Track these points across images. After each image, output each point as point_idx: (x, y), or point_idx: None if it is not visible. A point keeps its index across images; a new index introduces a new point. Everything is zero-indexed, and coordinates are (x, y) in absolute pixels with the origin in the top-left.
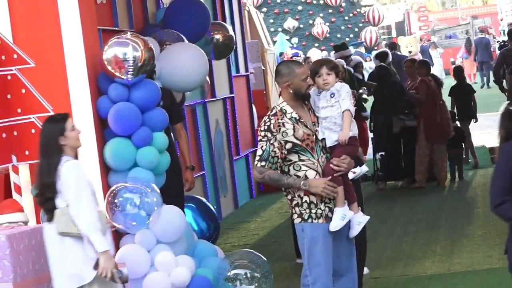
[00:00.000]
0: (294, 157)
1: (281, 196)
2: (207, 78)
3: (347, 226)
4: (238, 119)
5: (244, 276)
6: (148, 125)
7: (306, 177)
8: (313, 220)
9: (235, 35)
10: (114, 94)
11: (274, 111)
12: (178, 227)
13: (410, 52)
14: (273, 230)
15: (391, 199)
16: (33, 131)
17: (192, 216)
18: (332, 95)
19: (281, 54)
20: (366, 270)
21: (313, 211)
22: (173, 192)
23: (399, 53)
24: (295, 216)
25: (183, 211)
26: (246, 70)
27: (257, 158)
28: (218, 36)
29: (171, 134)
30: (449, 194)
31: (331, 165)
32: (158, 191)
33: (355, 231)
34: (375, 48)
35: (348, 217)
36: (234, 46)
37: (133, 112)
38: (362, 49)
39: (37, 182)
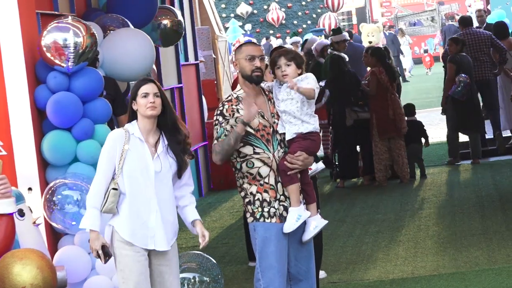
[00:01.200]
0: (248, 150)
1: (232, 194)
2: (154, 67)
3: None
4: (187, 111)
5: (192, 281)
6: (90, 116)
7: (259, 174)
8: (265, 219)
9: (184, 20)
10: (53, 83)
11: (229, 97)
12: None
13: (370, 42)
14: (224, 230)
15: (351, 198)
16: None
17: None
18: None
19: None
20: (323, 274)
21: (266, 209)
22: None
23: (354, 43)
24: (247, 215)
25: None
26: (196, 58)
27: (214, 141)
28: (165, 22)
29: (115, 126)
30: (413, 193)
31: (284, 162)
32: None
33: (307, 234)
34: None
35: (304, 218)
36: (183, 33)
37: (74, 102)
38: (321, 38)
39: None
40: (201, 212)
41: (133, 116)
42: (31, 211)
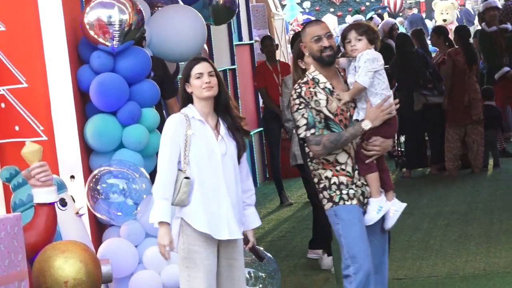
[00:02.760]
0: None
1: (289, 184)
2: (205, 47)
3: (381, 219)
4: (241, 94)
5: (248, 276)
6: (136, 99)
7: (337, 161)
8: (345, 201)
9: None
10: (97, 63)
11: (305, 79)
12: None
13: (444, 20)
14: (281, 223)
15: (418, 189)
16: (2, 105)
17: None
18: (358, 68)
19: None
20: None
21: (344, 192)
22: None
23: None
24: (324, 201)
25: None
26: (250, 38)
27: (303, 128)
28: None
29: (163, 110)
30: (485, 184)
31: (361, 149)
32: (148, 176)
33: (390, 222)
34: (400, 14)
35: (385, 209)
36: (237, 10)
37: (119, 84)
38: (385, 16)
39: None
40: (256, 203)
41: (188, 100)
42: (74, 200)
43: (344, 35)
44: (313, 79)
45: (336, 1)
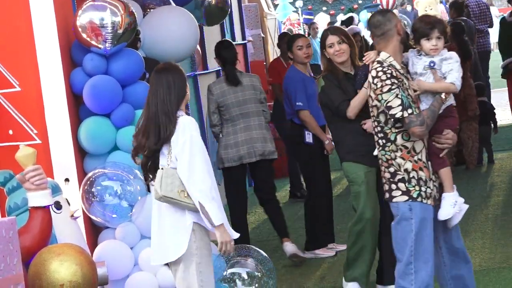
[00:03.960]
0: None
1: (284, 183)
2: (198, 47)
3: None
4: None
5: (244, 276)
6: (130, 101)
7: (414, 149)
8: (423, 199)
9: None
10: (90, 66)
11: (384, 64)
12: None
13: None
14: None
15: None
16: None
17: None
18: (432, 64)
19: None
20: None
21: (423, 189)
22: None
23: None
24: (397, 193)
25: None
26: (243, 38)
27: (398, 109)
28: None
29: None
30: (480, 180)
31: (434, 143)
32: (142, 178)
33: (457, 218)
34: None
35: (460, 204)
36: (229, 10)
37: (112, 86)
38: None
39: (144, 135)
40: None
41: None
42: (69, 203)
43: (426, 33)
44: (390, 64)
45: None
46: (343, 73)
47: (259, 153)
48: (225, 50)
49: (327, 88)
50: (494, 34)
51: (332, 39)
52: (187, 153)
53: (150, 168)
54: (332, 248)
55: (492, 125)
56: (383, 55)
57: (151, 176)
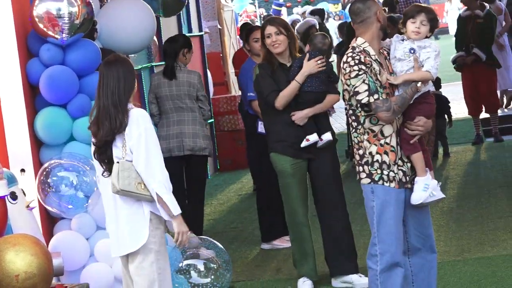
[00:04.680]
0: None
1: (240, 175)
2: (155, 39)
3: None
4: None
5: (200, 268)
6: (86, 92)
7: (381, 133)
8: (385, 182)
9: None
10: (46, 56)
11: (356, 49)
12: None
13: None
14: (232, 214)
15: None
16: None
17: None
18: (412, 51)
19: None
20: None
21: (385, 172)
22: None
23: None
24: (363, 175)
25: None
26: (200, 29)
27: (365, 94)
28: None
29: None
30: (435, 173)
31: (405, 129)
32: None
33: (422, 198)
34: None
35: (432, 187)
36: (186, 1)
37: (69, 77)
38: (338, 6)
39: (97, 126)
40: (207, 195)
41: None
42: (24, 194)
43: (412, 15)
44: (364, 50)
45: None
46: (279, 63)
47: (188, 148)
48: (167, 44)
49: (259, 77)
50: None
51: (270, 29)
52: (143, 145)
53: (101, 159)
54: (289, 240)
55: (447, 118)
56: (359, 41)
57: (104, 167)
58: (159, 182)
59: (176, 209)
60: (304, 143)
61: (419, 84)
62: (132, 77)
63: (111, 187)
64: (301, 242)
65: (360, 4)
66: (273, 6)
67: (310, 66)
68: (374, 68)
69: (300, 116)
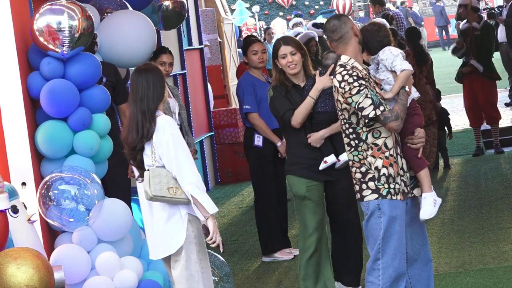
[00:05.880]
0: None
1: (241, 188)
2: None
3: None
4: (191, 99)
5: None
6: (87, 105)
7: (385, 145)
8: (392, 196)
9: (187, 1)
10: (47, 69)
11: (347, 67)
12: (122, 224)
13: None
14: (233, 226)
15: None
16: None
17: (139, 211)
18: (377, 67)
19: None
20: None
21: (392, 186)
22: (117, 183)
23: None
24: (367, 192)
25: (129, 205)
26: (200, 42)
27: (371, 108)
28: (167, 3)
29: (116, 116)
30: (436, 184)
31: (408, 145)
32: (100, 182)
33: (432, 212)
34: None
35: (439, 203)
36: (186, 15)
37: (69, 90)
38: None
39: (127, 132)
40: None
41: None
42: (26, 207)
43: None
44: (353, 66)
45: (285, 5)
46: (293, 85)
47: None
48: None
49: (274, 99)
50: None
51: (285, 49)
52: (172, 150)
53: (134, 164)
54: (290, 252)
55: (447, 130)
56: (344, 58)
57: (138, 173)
58: (192, 184)
59: (211, 208)
60: (322, 166)
61: (407, 88)
62: (161, 85)
63: (144, 194)
64: (318, 264)
65: (335, 21)
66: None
67: (323, 80)
68: (371, 82)
69: (316, 138)
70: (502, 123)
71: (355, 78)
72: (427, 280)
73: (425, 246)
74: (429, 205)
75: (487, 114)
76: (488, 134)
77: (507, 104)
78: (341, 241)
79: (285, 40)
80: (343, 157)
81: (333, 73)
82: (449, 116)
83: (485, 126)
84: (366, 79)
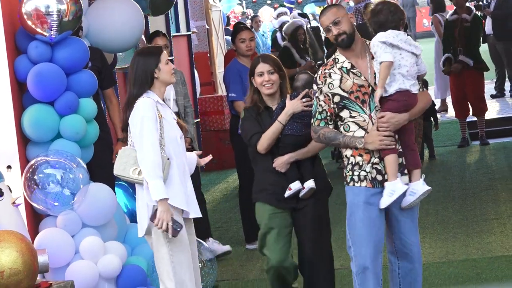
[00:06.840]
0: (345, 114)
1: (226, 175)
2: (143, 37)
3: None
4: None
5: None
6: (74, 89)
7: (353, 136)
8: (355, 183)
9: None
10: (34, 53)
11: (327, 61)
12: (107, 209)
13: None
14: (217, 214)
15: None
16: None
17: (124, 196)
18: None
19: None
20: None
21: (356, 173)
22: (102, 167)
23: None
24: (347, 179)
25: (114, 190)
26: (188, 29)
27: (313, 118)
28: None
29: (101, 101)
30: None
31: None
32: (85, 166)
33: (406, 201)
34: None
35: (398, 193)
36: (174, 1)
37: (57, 74)
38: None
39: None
40: None
41: (147, 84)
42: (10, 190)
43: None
44: (334, 59)
45: None
46: (265, 107)
47: None
48: None
49: (244, 120)
50: None
51: (262, 67)
52: (137, 132)
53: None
54: None
55: (433, 121)
56: (337, 52)
57: None
58: (145, 167)
59: (156, 195)
60: (287, 193)
61: (358, 142)
62: (146, 67)
63: None
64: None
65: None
66: (285, 4)
67: (293, 104)
68: (331, 83)
69: (280, 162)
70: (488, 115)
71: (314, 80)
72: (416, 278)
73: (415, 245)
74: (386, 195)
75: (474, 105)
76: (474, 125)
77: (493, 96)
78: (311, 284)
79: (264, 58)
80: (309, 184)
81: (305, 97)
82: (435, 107)
83: (471, 118)
84: (322, 81)
